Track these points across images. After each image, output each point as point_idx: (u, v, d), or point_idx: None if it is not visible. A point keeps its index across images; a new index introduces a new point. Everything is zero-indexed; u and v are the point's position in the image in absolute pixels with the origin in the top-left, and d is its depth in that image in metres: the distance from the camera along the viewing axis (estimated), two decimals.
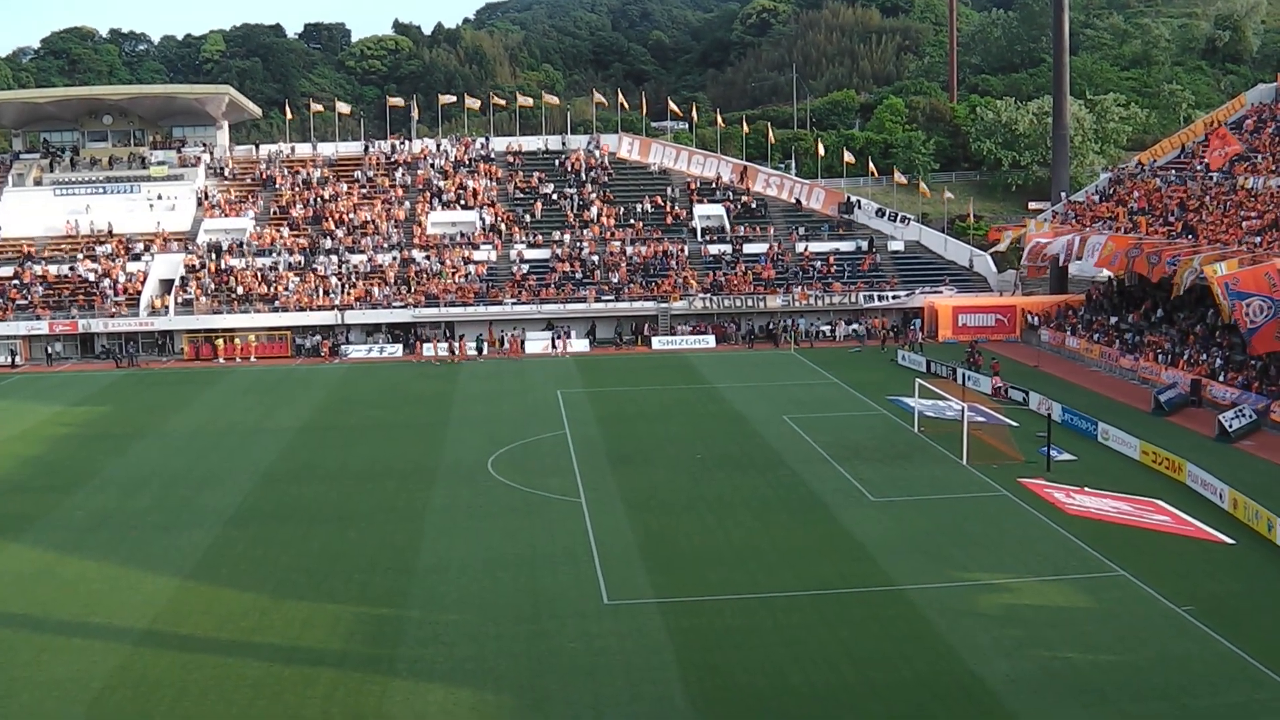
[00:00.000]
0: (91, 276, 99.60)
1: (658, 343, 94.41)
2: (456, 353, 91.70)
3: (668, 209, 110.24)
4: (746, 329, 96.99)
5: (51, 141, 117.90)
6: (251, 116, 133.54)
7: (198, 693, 33.49)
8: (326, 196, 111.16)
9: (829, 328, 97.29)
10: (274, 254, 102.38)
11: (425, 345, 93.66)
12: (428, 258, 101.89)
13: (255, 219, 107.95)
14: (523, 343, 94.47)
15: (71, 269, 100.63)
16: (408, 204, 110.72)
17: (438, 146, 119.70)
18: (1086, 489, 51.51)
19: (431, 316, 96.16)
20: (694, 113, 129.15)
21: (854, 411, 69.45)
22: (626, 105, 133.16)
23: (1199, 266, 67.84)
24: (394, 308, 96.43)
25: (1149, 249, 76.46)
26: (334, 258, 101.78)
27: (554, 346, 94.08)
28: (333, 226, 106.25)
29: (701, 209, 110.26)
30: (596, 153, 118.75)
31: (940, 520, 47.89)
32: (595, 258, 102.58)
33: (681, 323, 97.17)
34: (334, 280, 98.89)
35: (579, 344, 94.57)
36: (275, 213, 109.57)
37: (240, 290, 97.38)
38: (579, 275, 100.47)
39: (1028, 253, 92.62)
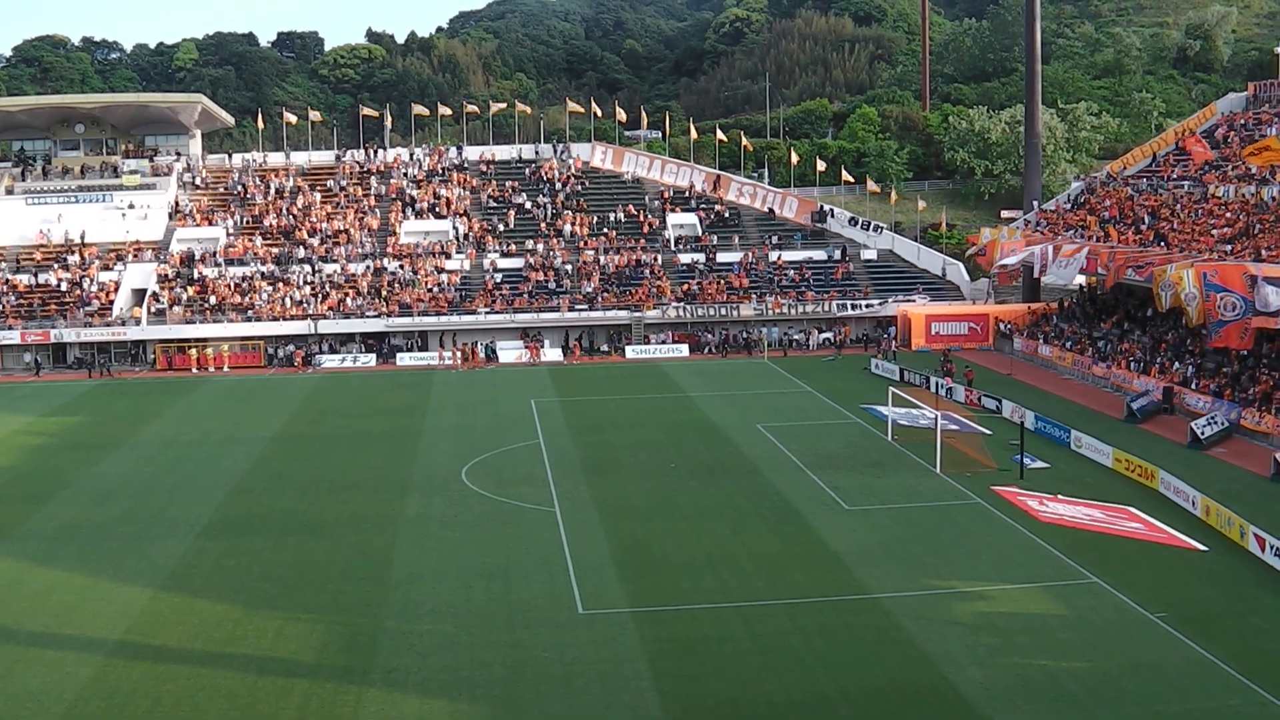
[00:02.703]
0: (64, 286, 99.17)
1: (631, 351, 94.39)
2: (469, 359, 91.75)
3: (641, 218, 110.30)
4: (720, 338, 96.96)
5: (23, 150, 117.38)
6: (224, 125, 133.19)
7: (171, 704, 33.36)
8: (299, 206, 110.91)
9: (803, 336, 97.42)
10: (247, 263, 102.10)
11: (445, 352, 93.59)
12: (401, 267, 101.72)
13: (228, 228, 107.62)
14: (540, 348, 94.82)
15: (40, 278, 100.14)
16: (380, 213, 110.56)
17: (411, 155, 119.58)
18: (1060, 496, 51.63)
19: (405, 326, 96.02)
20: (667, 122, 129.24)
21: (828, 420, 69.55)
22: (600, 114, 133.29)
23: (1171, 280, 67.89)
24: (367, 317, 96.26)
25: (1120, 257, 76.72)
26: (307, 267, 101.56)
27: (567, 353, 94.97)
28: (306, 236, 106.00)
29: (675, 218, 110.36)
30: (570, 162, 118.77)
31: (914, 528, 48.02)
32: (568, 267, 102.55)
33: (655, 332, 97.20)
34: (307, 290, 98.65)
35: (552, 353, 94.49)
36: (248, 222, 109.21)
37: (213, 300, 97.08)
38: (552, 284, 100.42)
39: (998, 266, 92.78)
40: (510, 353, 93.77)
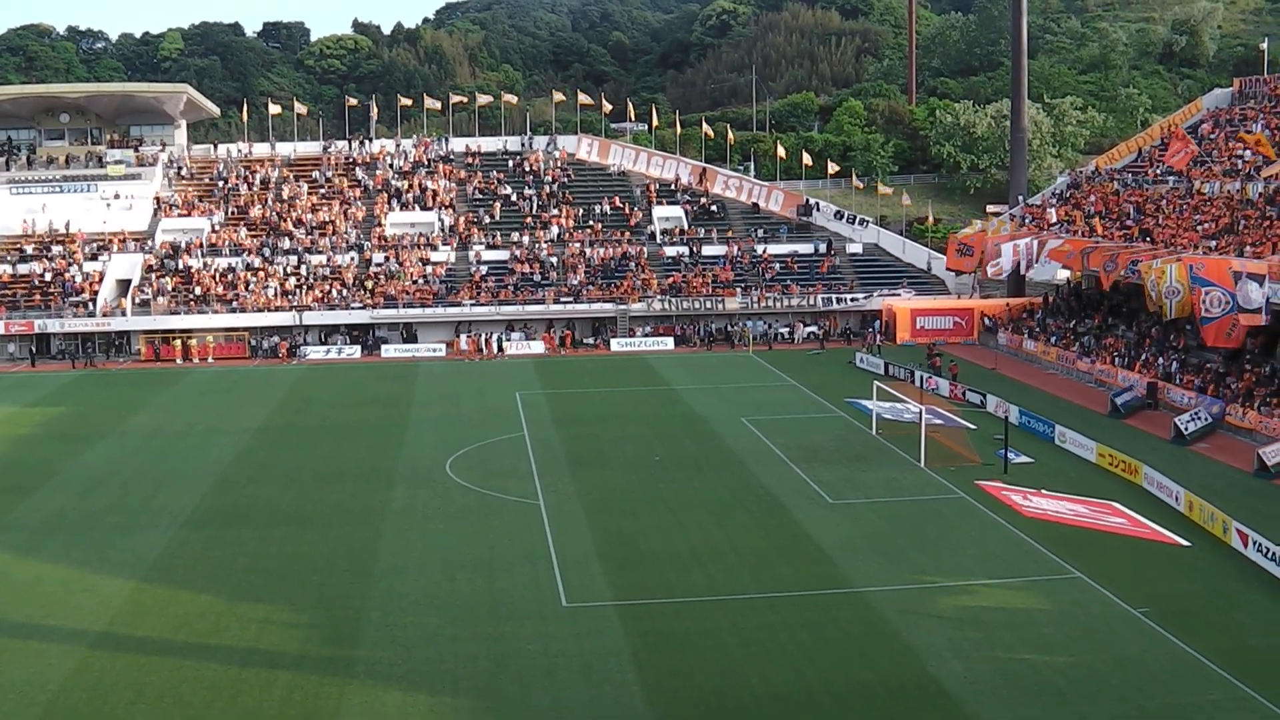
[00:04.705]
0: (48, 276, 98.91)
1: (616, 344, 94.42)
2: (483, 350, 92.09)
3: (627, 210, 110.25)
4: (705, 331, 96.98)
5: (9, 140, 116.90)
6: (210, 115, 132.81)
7: (154, 695, 33.32)
8: (285, 197, 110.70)
9: (788, 330, 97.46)
10: (232, 254, 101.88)
11: (463, 342, 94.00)
12: (386, 259, 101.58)
13: (213, 219, 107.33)
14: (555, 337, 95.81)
15: (24, 268, 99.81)
16: (366, 205, 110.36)
17: (397, 147, 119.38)
18: (1044, 491, 51.79)
19: (390, 318, 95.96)
20: (653, 114, 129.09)
21: (812, 413, 69.62)
22: (591, 101, 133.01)
23: (1154, 275, 67.98)
24: (352, 309, 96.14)
25: (1105, 252, 76.84)
26: (292, 258, 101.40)
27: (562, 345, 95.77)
28: (291, 227, 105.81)
29: (660, 210, 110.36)
30: (555, 154, 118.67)
31: (898, 522, 48.08)
32: (554, 259, 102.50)
33: (640, 324, 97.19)
34: (292, 281, 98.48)
35: (536, 345, 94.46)
36: (233, 213, 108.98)
37: (198, 291, 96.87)
38: (538, 277, 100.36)
39: (982, 264, 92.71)
40: (513, 344, 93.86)
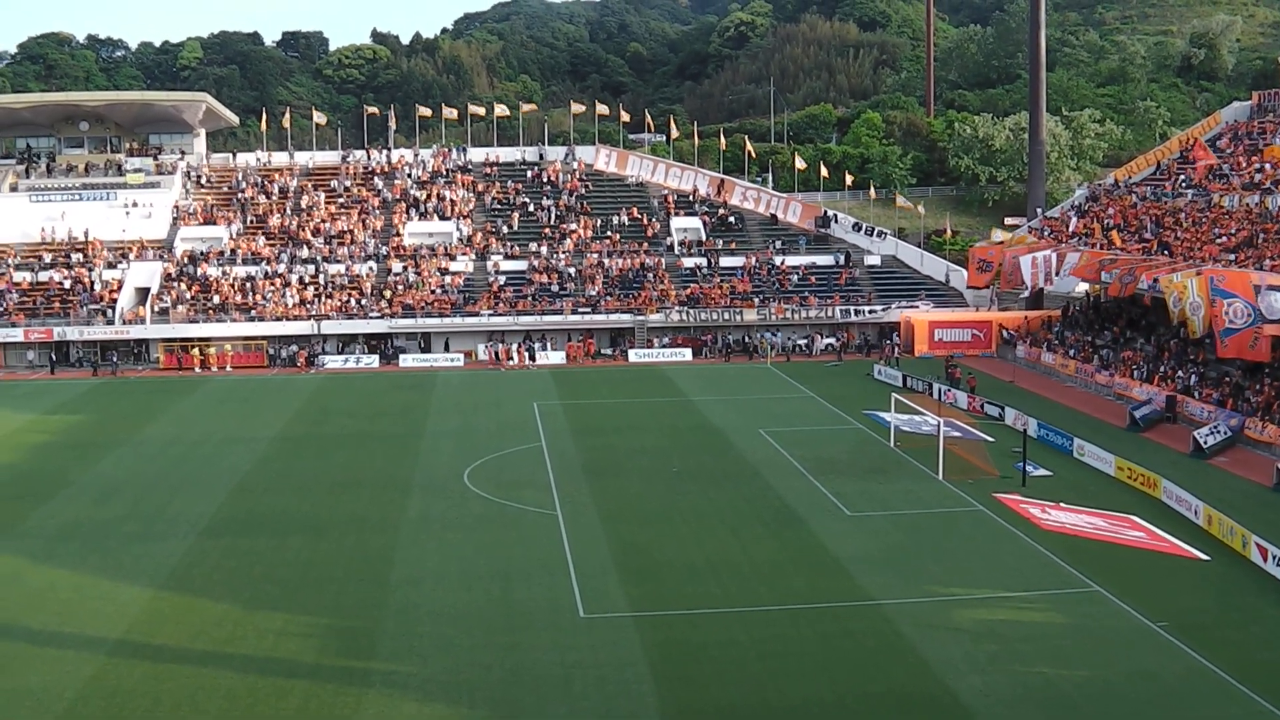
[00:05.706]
0: (67, 284, 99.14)
1: (634, 355, 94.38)
2: (515, 359, 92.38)
3: (645, 221, 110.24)
4: (723, 342, 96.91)
5: (28, 147, 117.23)
6: (229, 124, 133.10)
7: (171, 704, 33.34)
8: (303, 206, 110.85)
9: (806, 341, 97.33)
10: (250, 263, 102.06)
11: (480, 352, 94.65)
12: (405, 268, 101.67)
13: (232, 227, 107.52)
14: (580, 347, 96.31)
15: (43, 276, 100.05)
16: (384, 214, 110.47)
17: (415, 157, 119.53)
18: (1062, 504, 51.63)
19: (408, 327, 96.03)
20: (671, 125, 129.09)
21: (830, 425, 69.49)
22: (609, 111, 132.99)
23: (1177, 294, 67.71)
24: (370, 318, 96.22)
25: (1123, 265, 76.67)
26: (310, 267, 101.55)
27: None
28: (309, 236, 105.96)
29: (678, 222, 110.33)
30: (573, 165, 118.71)
31: (915, 535, 47.98)
32: (572, 270, 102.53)
33: (658, 335, 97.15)
34: (310, 290, 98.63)
35: (555, 356, 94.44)
36: (252, 221, 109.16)
37: (216, 299, 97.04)
38: (555, 287, 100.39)
39: (1001, 277, 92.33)
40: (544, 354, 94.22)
